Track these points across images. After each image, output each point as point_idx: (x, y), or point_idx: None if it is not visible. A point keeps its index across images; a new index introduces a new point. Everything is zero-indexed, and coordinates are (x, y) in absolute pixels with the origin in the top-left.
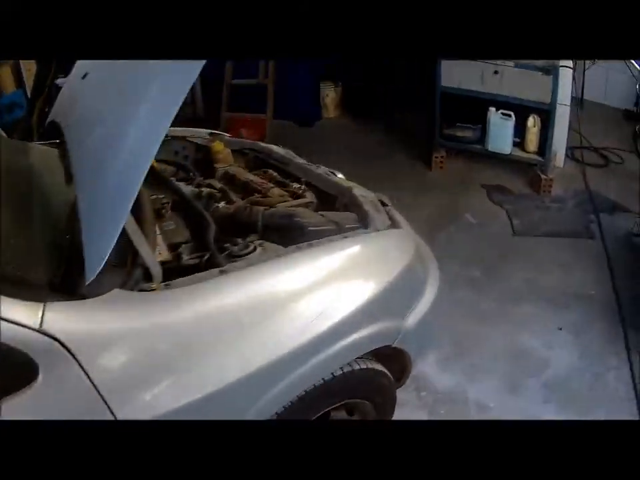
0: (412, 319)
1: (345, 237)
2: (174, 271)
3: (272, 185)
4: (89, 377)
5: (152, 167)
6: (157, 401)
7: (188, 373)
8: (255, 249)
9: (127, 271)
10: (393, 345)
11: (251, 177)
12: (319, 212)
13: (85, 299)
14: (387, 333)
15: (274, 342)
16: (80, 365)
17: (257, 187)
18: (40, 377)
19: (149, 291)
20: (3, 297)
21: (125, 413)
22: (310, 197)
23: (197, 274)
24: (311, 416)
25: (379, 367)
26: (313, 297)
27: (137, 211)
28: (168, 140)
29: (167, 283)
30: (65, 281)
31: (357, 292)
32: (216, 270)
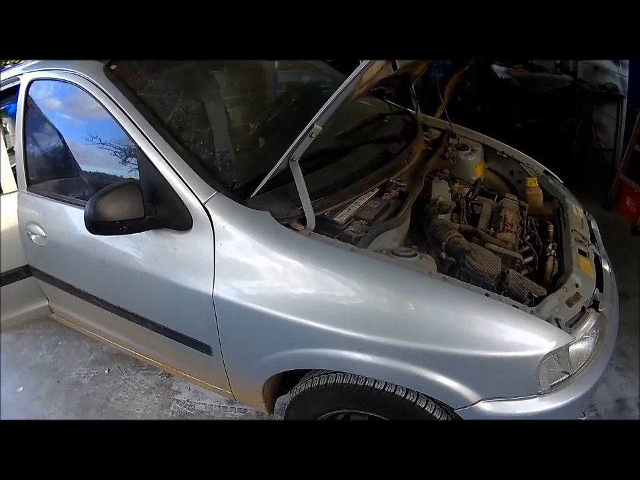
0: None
1: (487, 295)
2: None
3: (511, 230)
4: (214, 248)
5: None
6: (241, 296)
7: (270, 290)
8: (414, 255)
9: (287, 209)
10: (455, 410)
11: (509, 215)
12: (514, 270)
13: (243, 205)
14: (451, 395)
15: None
16: (214, 239)
17: (497, 223)
18: (192, 230)
19: (292, 229)
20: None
21: (218, 289)
22: (531, 259)
23: (335, 240)
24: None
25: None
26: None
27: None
28: (509, 158)
29: (311, 232)
30: (239, 189)
31: (443, 340)
32: (349, 245)
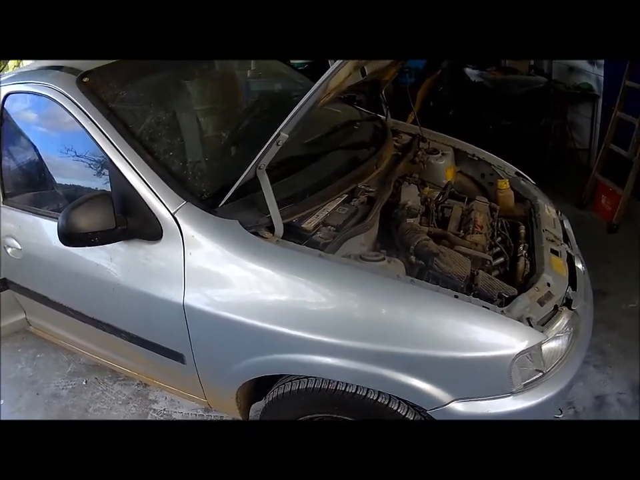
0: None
1: (456, 297)
2: (299, 237)
3: (481, 232)
4: (184, 258)
5: None
6: (211, 304)
7: (240, 298)
8: (382, 259)
9: (255, 217)
10: (427, 411)
11: (479, 217)
12: (484, 272)
13: (211, 214)
14: (424, 397)
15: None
16: (183, 248)
17: (467, 225)
18: (162, 240)
19: (261, 237)
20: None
21: (189, 298)
22: (502, 260)
23: (303, 246)
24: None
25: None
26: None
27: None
28: (480, 161)
29: (279, 239)
30: (208, 199)
31: (413, 342)
32: (317, 251)
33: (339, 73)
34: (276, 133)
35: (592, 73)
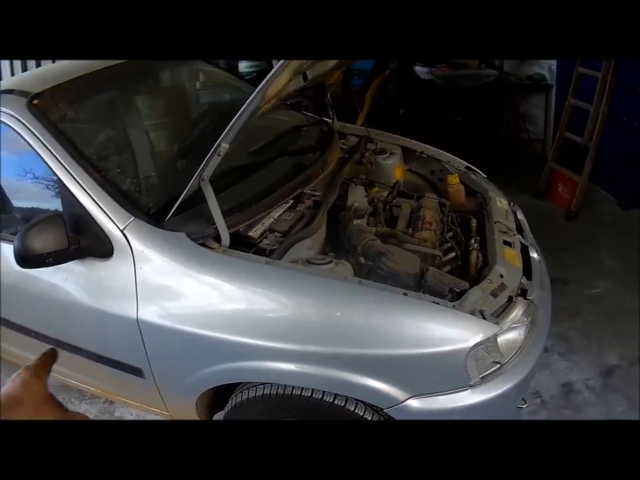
0: (420, 403)
1: (405, 295)
2: (246, 245)
3: (430, 229)
4: (135, 273)
5: None
6: (164, 317)
7: (191, 309)
8: (329, 262)
9: (202, 228)
10: (385, 410)
11: (428, 214)
12: (434, 269)
13: (159, 228)
14: (380, 396)
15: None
16: (134, 263)
17: (416, 223)
18: (113, 256)
19: (208, 247)
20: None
21: (142, 312)
22: (453, 255)
23: (250, 254)
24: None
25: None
26: (318, 321)
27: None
28: (429, 158)
29: (226, 249)
30: (155, 213)
31: (365, 342)
32: (263, 259)
33: (278, 79)
34: (216, 143)
35: (544, 62)
